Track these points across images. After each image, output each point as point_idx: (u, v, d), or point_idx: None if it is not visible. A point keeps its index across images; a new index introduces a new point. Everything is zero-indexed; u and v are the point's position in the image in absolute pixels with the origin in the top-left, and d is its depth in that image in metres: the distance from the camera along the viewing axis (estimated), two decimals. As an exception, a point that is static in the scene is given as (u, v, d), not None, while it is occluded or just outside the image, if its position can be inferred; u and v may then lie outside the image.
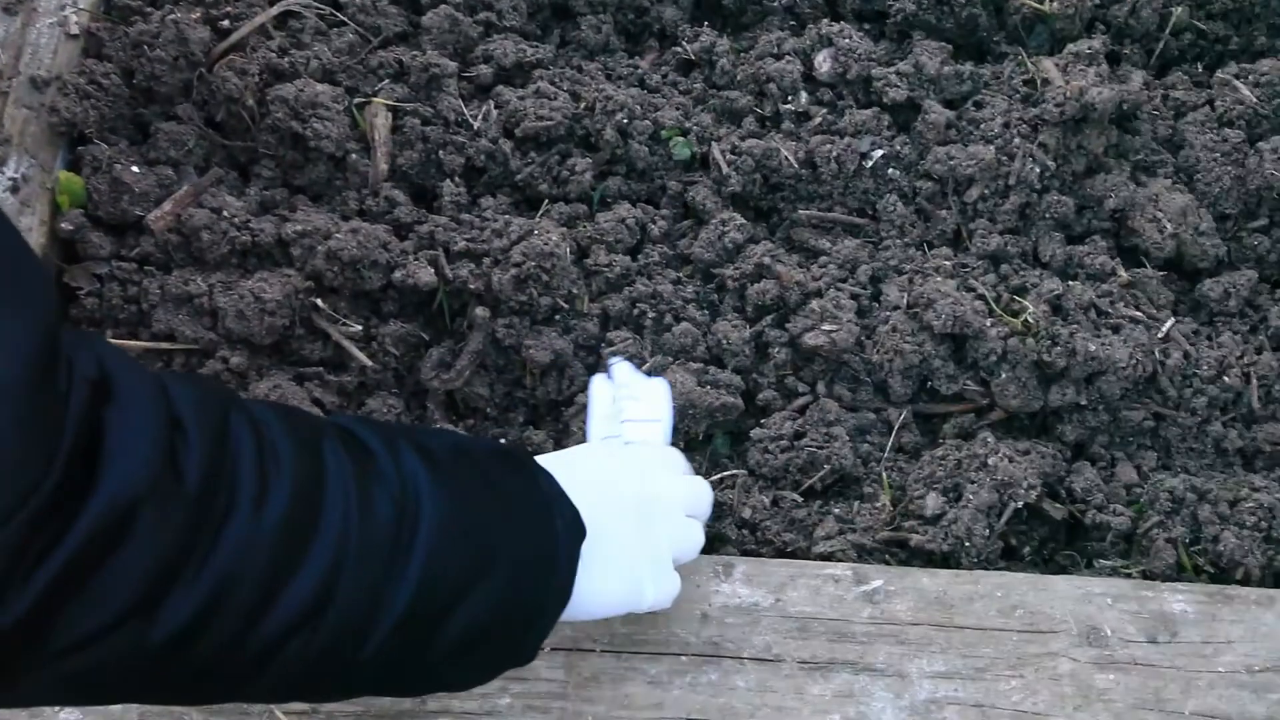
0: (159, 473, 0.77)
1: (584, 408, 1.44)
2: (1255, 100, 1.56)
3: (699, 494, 1.21)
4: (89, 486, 0.74)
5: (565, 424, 1.44)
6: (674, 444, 1.33)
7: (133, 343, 1.43)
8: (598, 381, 1.36)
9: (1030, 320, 1.41)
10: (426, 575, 0.92)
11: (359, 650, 0.90)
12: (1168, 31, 1.62)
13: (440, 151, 1.54)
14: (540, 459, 1.07)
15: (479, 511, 0.97)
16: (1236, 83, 1.57)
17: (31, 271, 0.71)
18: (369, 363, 1.44)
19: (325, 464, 0.89)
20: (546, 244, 1.43)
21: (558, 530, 1.01)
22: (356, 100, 1.54)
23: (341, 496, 0.88)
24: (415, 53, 1.58)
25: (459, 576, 0.94)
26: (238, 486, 0.83)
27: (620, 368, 1.38)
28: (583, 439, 1.38)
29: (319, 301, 1.45)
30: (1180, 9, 1.62)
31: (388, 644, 0.91)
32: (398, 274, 1.45)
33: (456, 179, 1.54)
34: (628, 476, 1.13)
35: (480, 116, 1.56)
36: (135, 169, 1.48)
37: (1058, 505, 1.39)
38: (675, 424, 1.35)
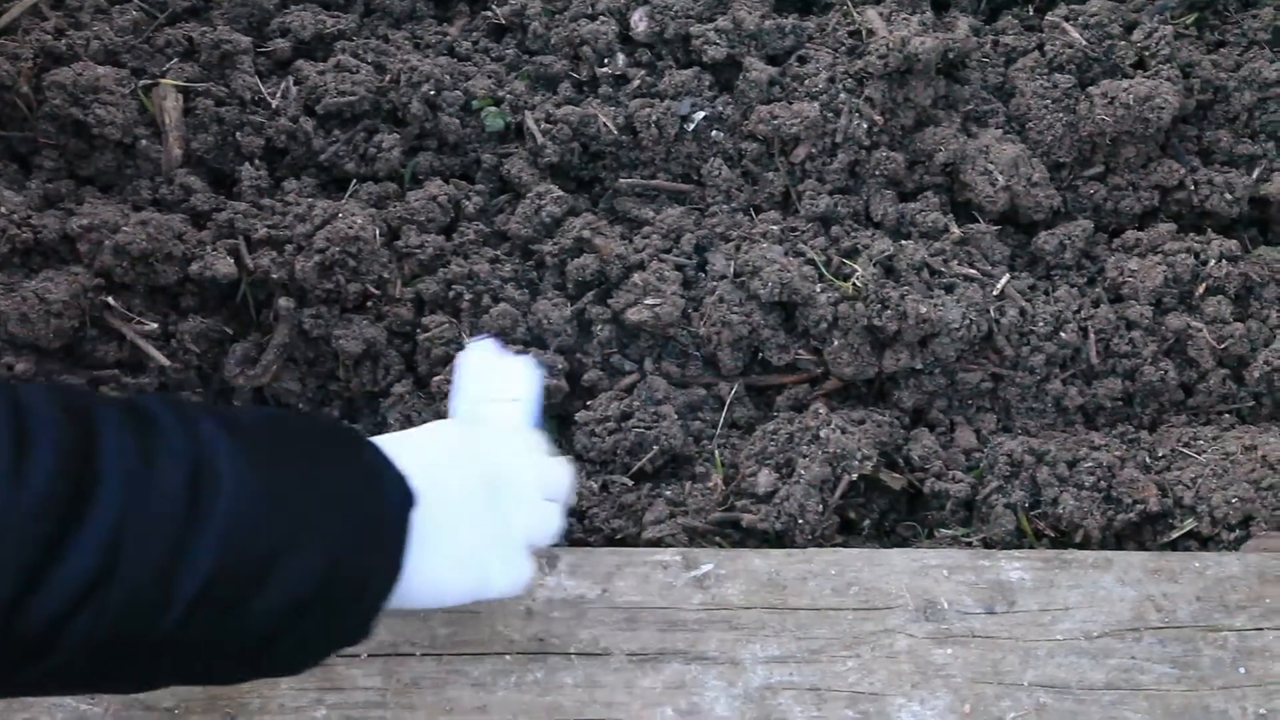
0: None
1: (400, 398, 1.36)
2: (1085, 43, 1.51)
3: (558, 476, 1.13)
4: None
5: (383, 416, 1.37)
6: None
7: (-92, 354, 1.33)
8: (461, 359, 1.29)
9: (859, 284, 1.36)
10: (229, 545, 0.85)
11: (155, 627, 0.83)
12: (996, -24, 1.58)
13: (237, 133, 1.45)
14: (380, 439, 1.00)
15: (291, 479, 0.90)
16: (1066, 25, 1.53)
17: None
18: (167, 362, 1.35)
19: (99, 433, 0.82)
20: (351, 227, 1.35)
21: (384, 499, 0.94)
22: (143, 82, 1.45)
23: (118, 465, 0.81)
24: (205, 29, 1.48)
25: (268, 546, 0.87)
26: None
27: (481, 345, 1.30)
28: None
29: (110, 300, 1.35)
30: (1009, -51, 1.57)
31: (190, 620, 0.84)
32: (195, 266, 1.36)
33: (256, 162, 1.45)
34: (476, 456, 1.05)
35: (279, 94, 1.47)
36: (-99, 167, 1.37)
37: (896, 475, 1.34)
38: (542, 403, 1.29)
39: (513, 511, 1.05)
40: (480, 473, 1.03)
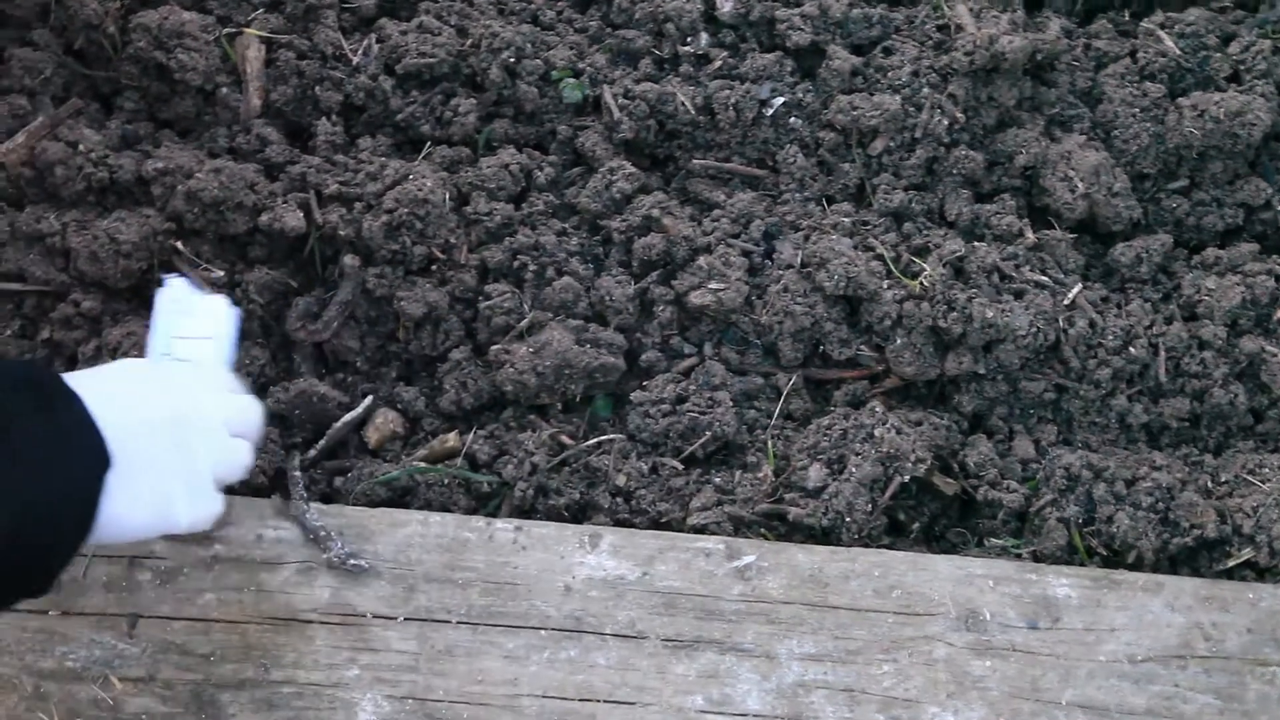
0: None
1: (457, 364, 1.36)
2: (1179, 52, 1.47)
3: (245, 413, 1.14)
4: None
5: (439, 381, 1.37)
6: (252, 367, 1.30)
7: (-19, 284, 1.35)
8: (157, 296, 1.27)
9: (927, 283, 1.33)
10: None
11: None
12: (1094, -23, 1.54)
13: (316, 87, 1.45)
14: (70, 376, 1.00)
15: None
16: (1161, 33, 1.49)
17: None
18: (231, 311, 1.36)
19: None
20: (421, 189, 1.35)
21: (76, 466, 0.95)
22: (227, 30, 1.45)
23: None
24: (293, -21, 1.48)
25: None
26: None
27: (175, 284, 1.28)
28: None
29: (179, 245, 1.36)
30: (1109, -49, 1.53)
31: None
32: (264, 217, 1.36)
33: (333, 117, 1.45)
34: (162, 393, 1.05)
35: (360, 51, 1.47)
36: (-15, 98, 1.38)
37: (949, 480, 1.32)
38: (238, 342, 1.30)
39: (200, 448, 1.05)
40: (168, 410, 1.04)
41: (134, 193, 1.38)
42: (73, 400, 0.96)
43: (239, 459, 1.10)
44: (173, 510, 1.02)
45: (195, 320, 1.24)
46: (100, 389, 0.99)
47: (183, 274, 1.33)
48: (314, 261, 1.40)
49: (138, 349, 1.30)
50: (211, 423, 1.07)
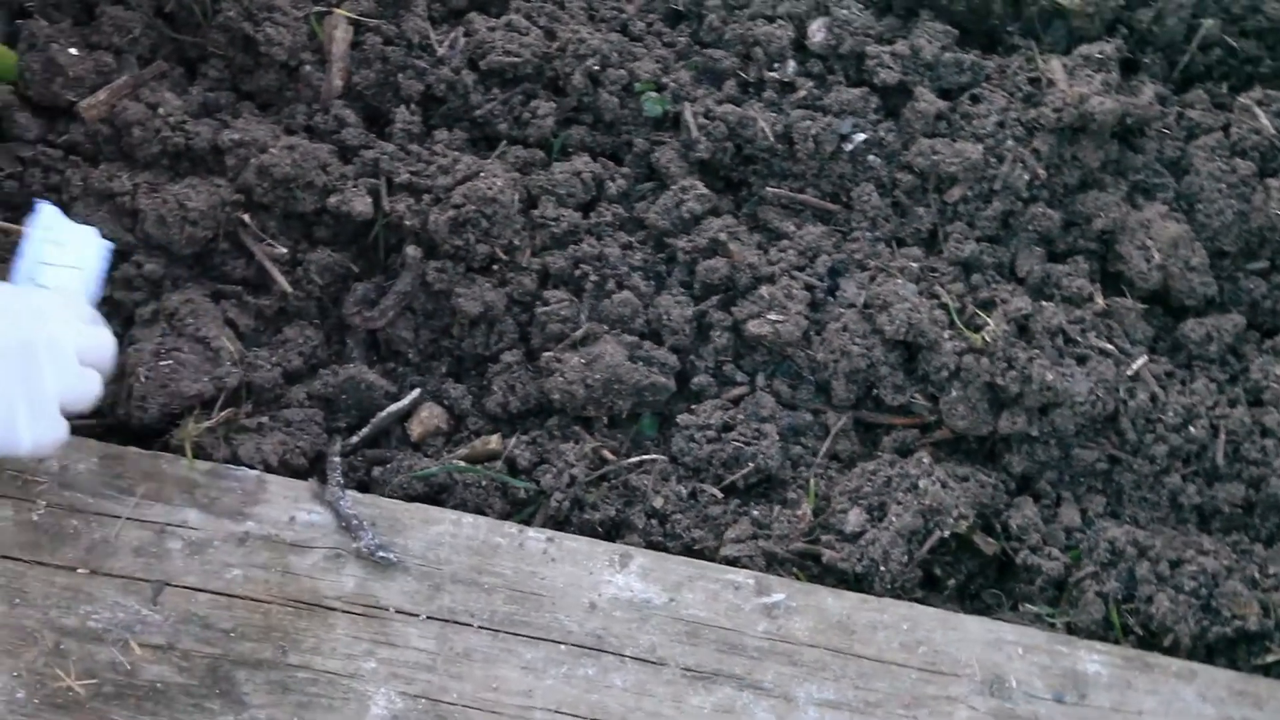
0: None
1: (508, 366, 1.36)
2: (1275, 131, 1.44)
3: (99, 346, 1.17)
4: None
5: (488, 381, 1.36)
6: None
7: (48, 235, 1.36)
8: (28, 223, 1.27)
9: (989, 338, 1.31)
10: None
11: None
12: (1194, 45, 1.51)
13: (399, 74, 1.45)
14: None
15: None
16: (1257, 110, 1.46)
17: None
18: (290, 289, 1.36)
19: None
20: (490, 188, 1.34)
21: None
22: (317, 9, 1.45)
23: None
24: (388, -35, 1.48)
25: None
26: None
27: (47, 211, 1.28)
28: None
29: (246, 217, 1.37)
30: (1211, 22, 1.50)
31: None
32: (333, 199, 1.36)
33: (412, 106, 1.45)
34: (18, 317, 1.09)
35: (447, 43, 1.47)
36: (74, 51, 1.39)
37: (990, 540, 1.30)
38: (107, 276, 1.30)
39: (48, 375, 1.08)
40: (19, 334, 1.07)
41: (207, 161, 1.39)
42: None
43: (88, 388, 1.14)
44: (16, 429, 1.06)
45: (64, 250, 1.25)
46: None
47: (50, 201, 1.33)
48: (377, 248, 1.40)
49: (194, 317, 1.30)
50: (63, 351, 1.11)
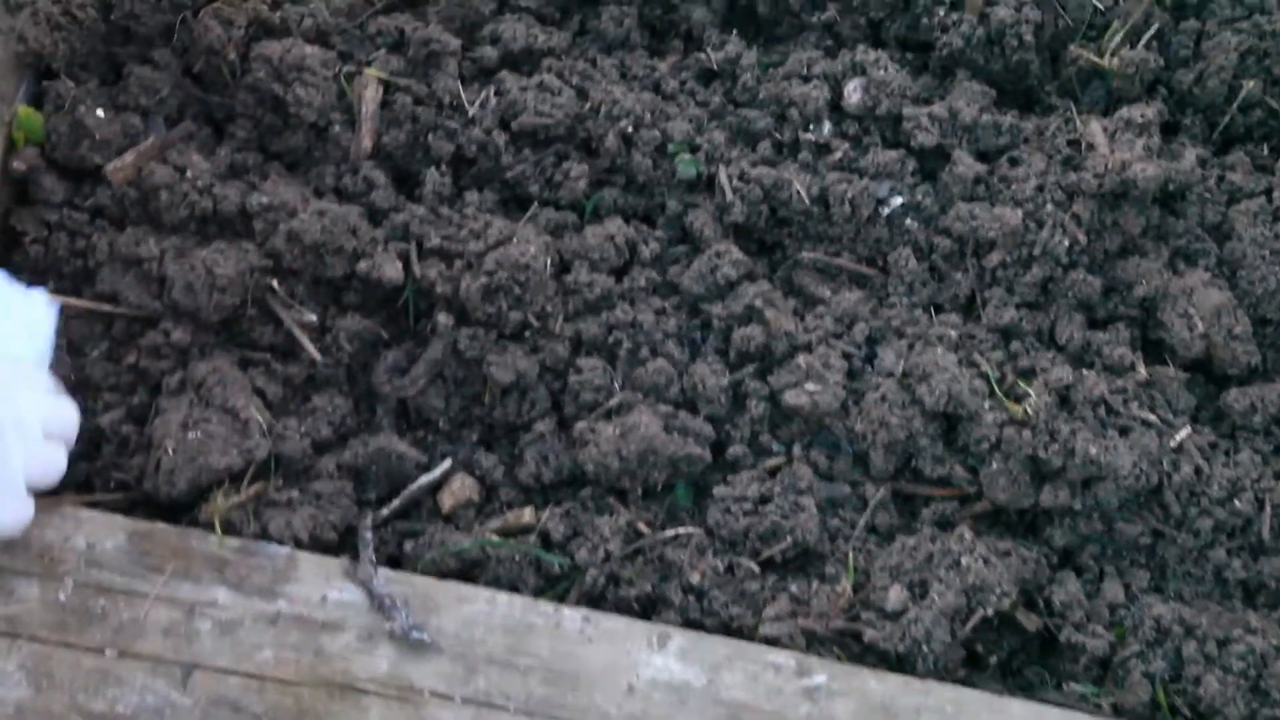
0: None
1: (540, 436, 1.33)
2: (1317, 196, 1.42)
3: (62, 417, 1.14)
4: None
5: (520, 451, 1.34)
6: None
7: (74, 300, 1.33)
8: None
9: (1030, 410, 1.29)
10: None
11: None
12: (1235, 106, 1.48)
13: (429, 135, 1.43)
14: None
15: None
16: (1302, 174, 1.44)
17: None
18: (320, 357, 1.34)
19: None
20: (523, 255, 1.32)
21: None
22: (347, 68, 1.43)
23: None
24: (418, 24, 1.46)
25: None
26: None
27: None
28: None
29: (275, 284, 1.34)
30: (1252, 83, 1.48)
31: None
32: (363, 264, 1.34)
33: (443, 167, 1.43)
34: None
35: (478, 103, 1.45)
36: (100, 113, 1.37)
37: (1033, 616, 1.28)
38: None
39: (13, 454, 1.05)
40: None
41: (235, 224, 1.37)
42: None
43: (53, 463, 1.11)
44: None
45: (13, 318, 1.22)
46: None
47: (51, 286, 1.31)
48: (407, 313, 1.38)
49: (222, 386, 1.28)
50: (26, 427, 1.07)
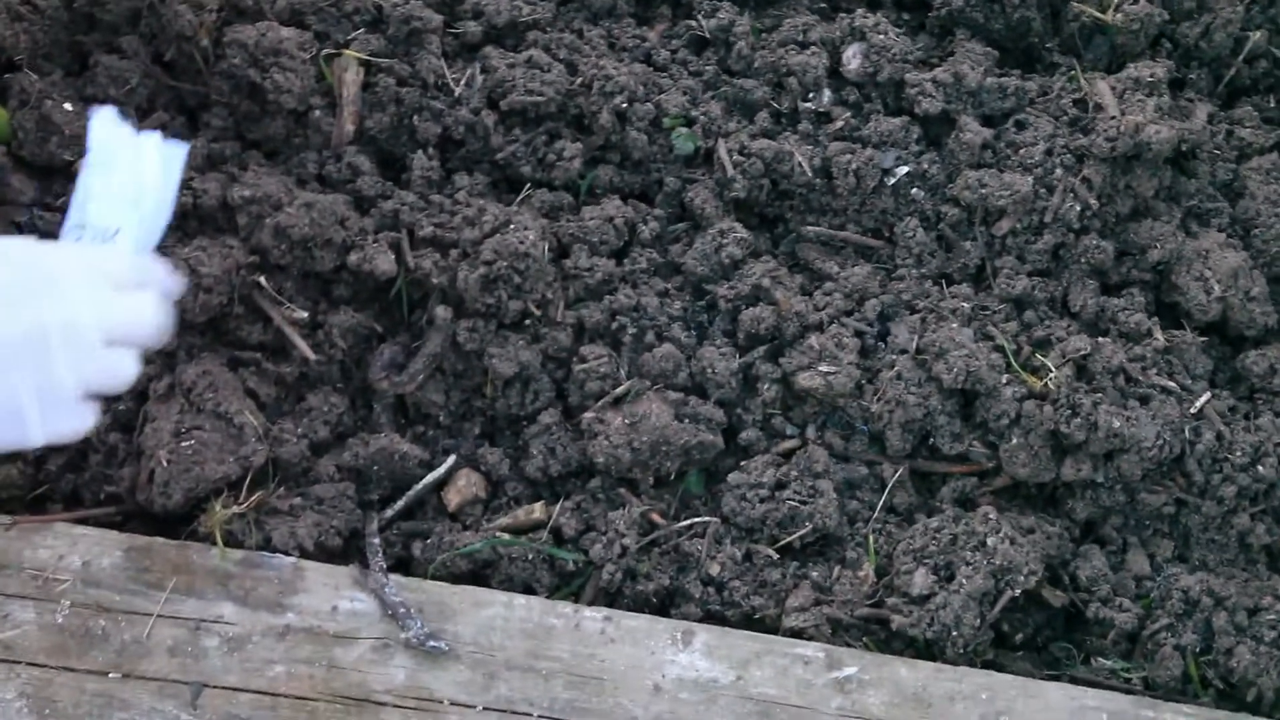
0: None
1: (546, 428, 1.29)
2: (1328, 149, 1.39)
3: (132, 318, 1.01)
4: None
5: (525, 443, 1.29)
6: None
7: (50, 304, 1.27)
8: (89, 140, 1.08)
9: (1051, 385, 1.26)
10: None
11: None
12: (1241, 58, 1.45)
13: (415, 117, 1.37)
14: None
15: None
16: (1311, 127, 1.41)
17: None
18: (313, 355, 1.29)
19: None
20: (522, 243, 1.27)
21: None
22: (325, 50, 1.37)
23: None
24: (397, 0, 1.40)
25: None
26: None
27: (103, 118, 1.07)
28: None
29: (262, 280, 1.29)
30: (1258, 33, 1.44)
31: None
32: (353, 257, 1.29)
33: (430, 150, 1.37)
34: (32, 295, 0.96)
35: (463, 81, 1.39)
36: (68, 106, 1.30)
37: (1059, 592, 1.25)
38: (172, 210, 1.07)
39: (61, 362, 0.96)
40: (25, 321, 0.95)
41: (217, 219, 1.31)
42: None
43: (118, 371, 0.99)
44: (24, 422, 0.94)
45: (113, 177, 1.05)
46: None
47: (114, 107, 1.11)
48: (401, 305, 1.33)
49: (213, 390, 1.23)
50: (81, 333, 0.97)
